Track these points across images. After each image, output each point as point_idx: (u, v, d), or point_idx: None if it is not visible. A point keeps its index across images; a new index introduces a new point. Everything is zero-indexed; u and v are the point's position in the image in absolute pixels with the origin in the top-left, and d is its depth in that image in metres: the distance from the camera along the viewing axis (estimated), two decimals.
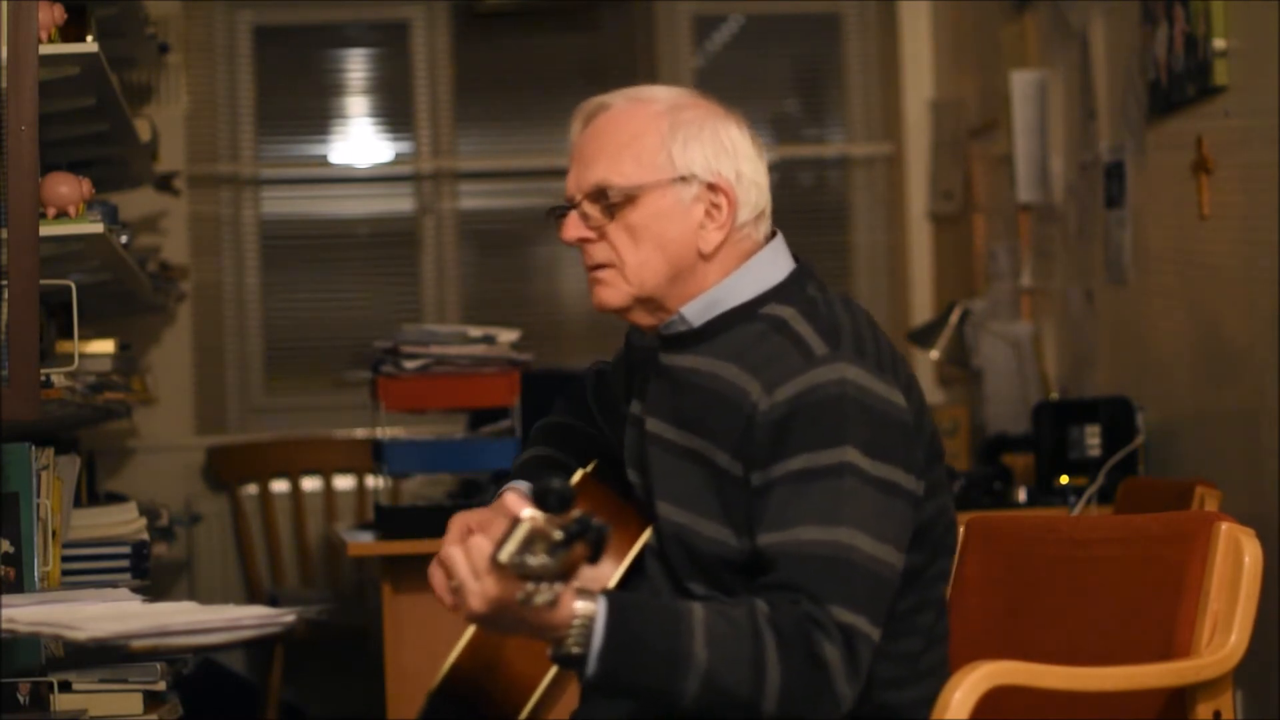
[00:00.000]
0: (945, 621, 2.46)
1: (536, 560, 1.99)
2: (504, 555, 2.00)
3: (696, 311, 2.41)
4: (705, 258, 2.40)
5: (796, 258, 2.46)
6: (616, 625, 2.15)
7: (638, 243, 2.39)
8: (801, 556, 2.22)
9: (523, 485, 2.58)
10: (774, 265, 2.43)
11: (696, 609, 2.21)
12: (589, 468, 2.61)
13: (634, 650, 2.16)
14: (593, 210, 2.40)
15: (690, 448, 2.39)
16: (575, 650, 2.14)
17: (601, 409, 2.69)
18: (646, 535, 2.46)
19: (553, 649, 2.16)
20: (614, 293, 2.41)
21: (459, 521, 2.46)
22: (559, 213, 2.44)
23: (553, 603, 2.07)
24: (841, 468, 2.25)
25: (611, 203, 2.38)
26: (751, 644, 2.19)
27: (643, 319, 2.44)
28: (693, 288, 2.40)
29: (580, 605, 2.13)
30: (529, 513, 1.99)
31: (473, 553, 2.12)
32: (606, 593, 2.17)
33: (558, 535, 1.98)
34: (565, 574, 2.04)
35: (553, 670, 2.35)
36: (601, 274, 2.41)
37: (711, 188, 2.39)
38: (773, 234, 2.46)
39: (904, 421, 2.31)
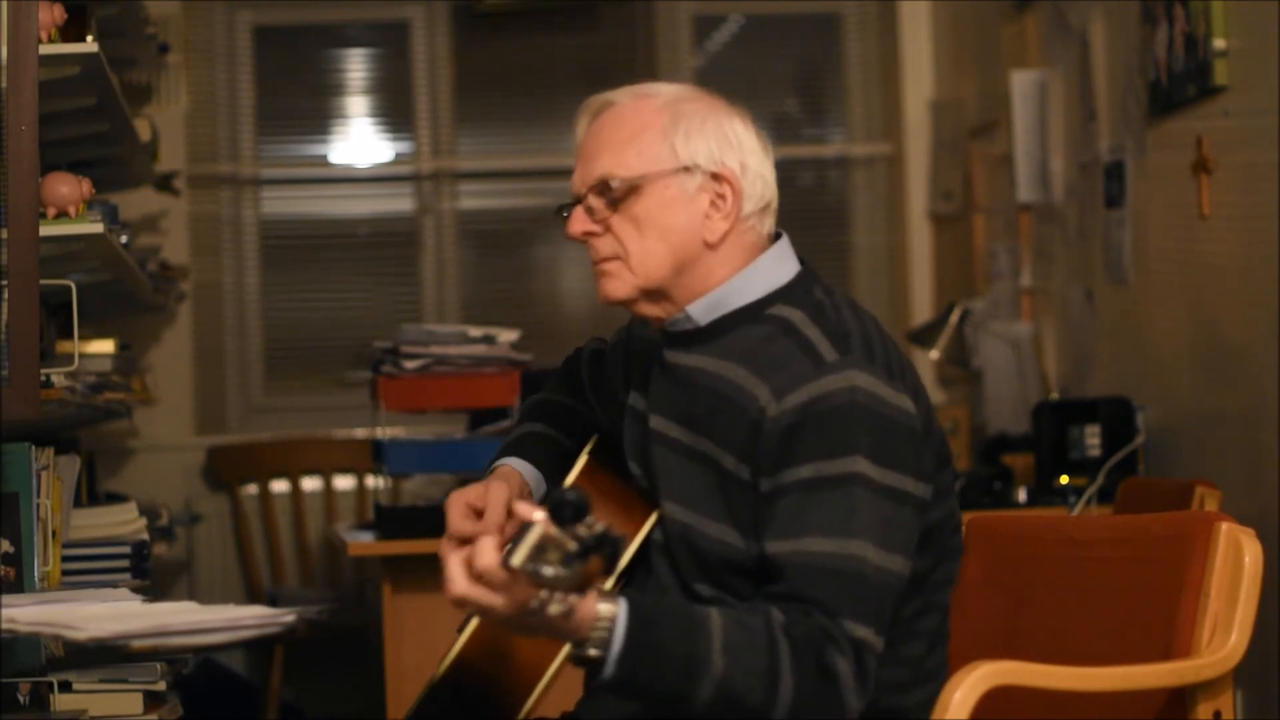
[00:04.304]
0: (947, 624, 2.47)
1: (551, 570, 1.97)
2: (517, 561, 1.97)
3: (702, 310, 2.41)
4: (711, 247, 2.39)
5: (802, 260, 2.46)
6: (636, 630, 2.14)
7: (642, 233, 2.38)
8: (813, 569, 2.23)
9: (514, 463, 2.58)
10: (780, 266, 2.43)
11: (714, 615, 2.21)
12: (589, 446, 2.60)
13: (652, 656, 2.16)
14: (597, 204, 2.40)
15: (696, 448, 2.39)
16: (594, 653, 2.14)
17: (595, 389, 2.68)
18: (652, 521, 2.46)
19: (573, 649, 2.16)
20: (619, 284, 2.41)
21: (458, 503, 2.45)
22: (566, 210, 2.44)
23: (568, 613, 2.07)
24: (851, 478, 2.25)
25: (615, 195, 2.38)
26: (767, 654, 2.19)
27: (649, 311, 2.43)
28: (699, 280, 2.40)
29: (603, 607, 2.13)
30: (540, 516, 1.97)
31: (482, 556, 2.08)
32: (627, 595, 2.16)
33: (572, 546, 1.96)
34: (581, 586, 2.03)
35: (558, 660, 2.35)
36: (607, 266, 2.41)
37: (715, 177, 2.38)
38: (778, 235, 2.46)
39: (913, 428, 2.31)
